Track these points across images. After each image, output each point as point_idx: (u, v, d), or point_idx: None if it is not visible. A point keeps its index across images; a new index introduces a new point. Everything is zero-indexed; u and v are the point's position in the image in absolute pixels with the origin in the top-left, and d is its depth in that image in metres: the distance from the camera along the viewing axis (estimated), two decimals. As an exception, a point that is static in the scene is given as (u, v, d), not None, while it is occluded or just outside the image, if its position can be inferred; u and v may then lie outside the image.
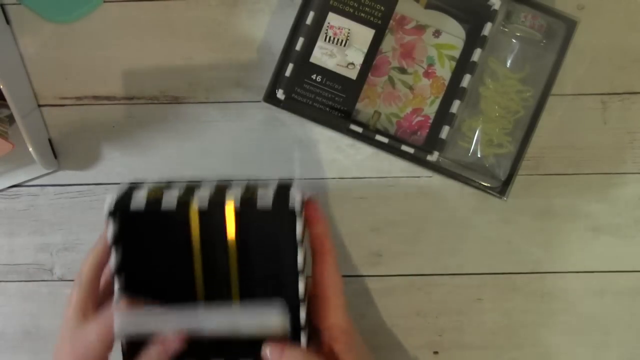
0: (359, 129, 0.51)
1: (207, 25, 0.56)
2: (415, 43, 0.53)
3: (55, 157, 0.57)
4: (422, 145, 0.52)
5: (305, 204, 0.44)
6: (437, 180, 0.57)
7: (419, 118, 0.53)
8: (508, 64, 0.51)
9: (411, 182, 0.57)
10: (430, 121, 0.53)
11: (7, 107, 0.52)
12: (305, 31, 0.51)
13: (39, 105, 0.57)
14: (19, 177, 0.57)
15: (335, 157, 0.57)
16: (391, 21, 0.52)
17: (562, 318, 0.57)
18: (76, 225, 0.58)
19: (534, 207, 0.57)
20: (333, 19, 0.51)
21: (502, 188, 0.52)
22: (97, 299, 0.45)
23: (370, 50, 0.51)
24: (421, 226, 0.57)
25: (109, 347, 0.43)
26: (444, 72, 0.53)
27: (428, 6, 0.53)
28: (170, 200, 0.42)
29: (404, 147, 0.51)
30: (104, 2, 0.57)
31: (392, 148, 0.51)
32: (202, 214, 0.42)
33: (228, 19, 0.56)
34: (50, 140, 0.57)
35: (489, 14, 0.50)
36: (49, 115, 0.57)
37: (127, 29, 0.57)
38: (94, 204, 0.57)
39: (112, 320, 0.42)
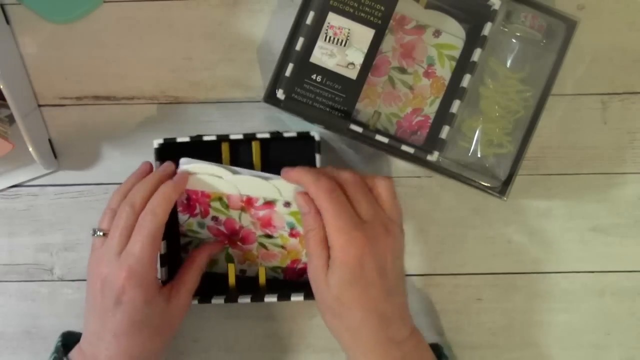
0: (359, 129, 0.51)
1: (207, 25, 0.56)
2: (415, 43, 0.53)
3: (55, 157, 0.57)
4: (422, 145, 0.52)
5: None
6: (437, 180, 0.57)
7: (419, 118, 0.53)
8: (508, 64, 0.51)
9: (411, 182, 0.57)
10: (430, 121, 0.53)
11: (7, 107, 0.52)
12: (305, 31, 0.51)
13: (39, 105, 0.57)
14: (19, 177, 0.57)
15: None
16: (391, 21, 0.52)
17: (562, 318, 0.57)
18: (76, 225, 0.58)
19: (534, 207, 0.57)
20: (333, 19, 0.51)
21: (502, 188, 0.52)
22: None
23: (370, 50, 0.51)
24: (421, 226, 0.57)
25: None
26: (444, 72, 0.53)
27: (428, 6, 0.53)
28: (210, 136, 0.53)
29: (404, 147, 0.51)
30: (104, 2, 0.57)
31: (392, 148, 0.51)
32: (232, 142, 0.54)
33: (228, 19, 0.56)
34: (50, 140, 0.57)
35: (489, 14, 0.50)
36: (49, 115, 0.57)
37: (127, 29, 0.57)
38: (93, 204, 0.57)
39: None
